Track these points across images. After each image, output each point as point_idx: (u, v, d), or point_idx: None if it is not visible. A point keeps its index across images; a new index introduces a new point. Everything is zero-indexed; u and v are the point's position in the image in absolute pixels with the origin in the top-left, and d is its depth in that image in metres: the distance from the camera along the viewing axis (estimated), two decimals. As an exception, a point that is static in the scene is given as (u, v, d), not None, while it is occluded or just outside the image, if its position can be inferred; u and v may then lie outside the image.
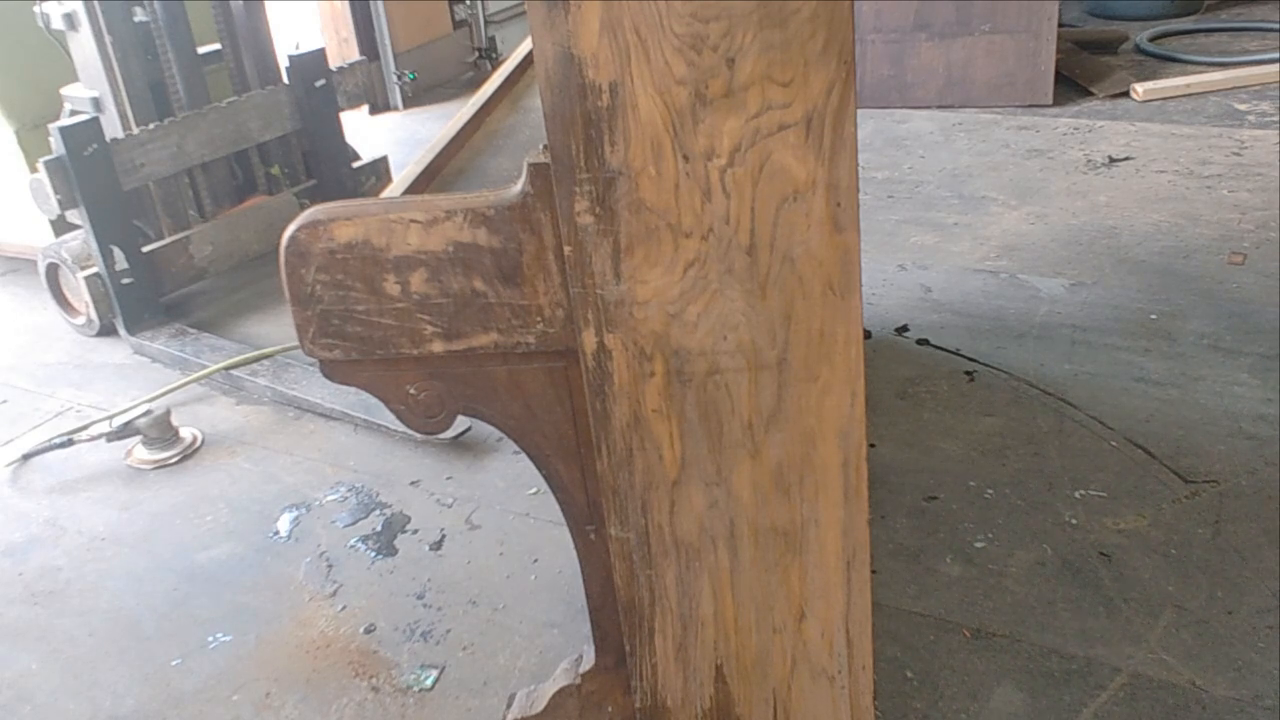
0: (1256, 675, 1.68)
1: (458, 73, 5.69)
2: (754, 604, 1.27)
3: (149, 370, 3.02)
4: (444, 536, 2.22)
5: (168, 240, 3.23)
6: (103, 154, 2.93)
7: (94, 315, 3.14)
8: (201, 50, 3.33)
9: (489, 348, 1.17)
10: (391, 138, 4.70)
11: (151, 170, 3.10)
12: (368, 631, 1.98)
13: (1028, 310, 2.83)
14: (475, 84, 5.21)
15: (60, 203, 2.92)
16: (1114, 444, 2.26)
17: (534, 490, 2.30)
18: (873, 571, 1.30)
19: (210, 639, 1.99)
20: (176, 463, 2.54)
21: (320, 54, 3.55)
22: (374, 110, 5.06)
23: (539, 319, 1.15)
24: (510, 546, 2.17)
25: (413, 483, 2.41)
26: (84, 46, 3.12)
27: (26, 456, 2.61)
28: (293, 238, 1.13)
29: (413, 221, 1.11)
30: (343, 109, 3.68)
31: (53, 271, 3.22)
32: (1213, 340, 2.60)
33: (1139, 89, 4.26)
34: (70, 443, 2.59)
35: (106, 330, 3.19)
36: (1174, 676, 1.69)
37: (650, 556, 1.25)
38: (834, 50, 0.98)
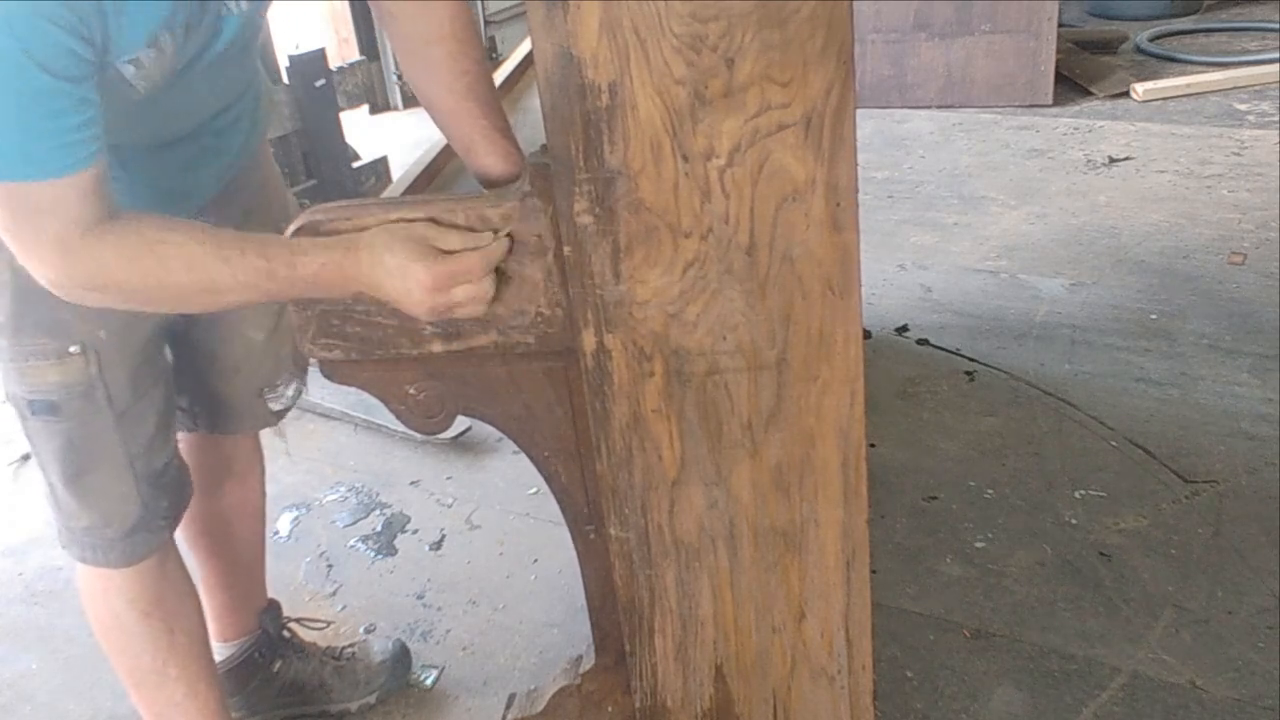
0: (1256, 675, 1.68)
1: (458, 73, 5.67)
2: (754, 604, 1.27)
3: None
4: (444, 536, 2.22)
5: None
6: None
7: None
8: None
9: (488, 348, 1.17)
10: (391, 138, 4.70)
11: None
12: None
13: (1028, 310, 2.83)
14: (475, 84, 5.19)
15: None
16: (1114, 444, 2.26)
17: (534, 490, 2.30)
18: (873, 571, 1.30)
19: (210, 639, 1.99)
20: (176, 463, 2.54)
21: (320, 54, 3.55)
22: (374, 110, 5.06)
23: (539, 319, 1.15)
24: (510, 546, 2.17)
25: (413, 483, 2.41)
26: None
27: (27, 457, 2.61)
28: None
29: (412, 222, 1.11)
30: (343, 109, 3.68)
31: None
32: (1213, 340, 2.60)
33: (1139, 89, 4.26)
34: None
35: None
36: (1174, 676, 1.69)
37: (650, 556, 1.25)
38: (833, 50, 0.98)
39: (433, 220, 1.09)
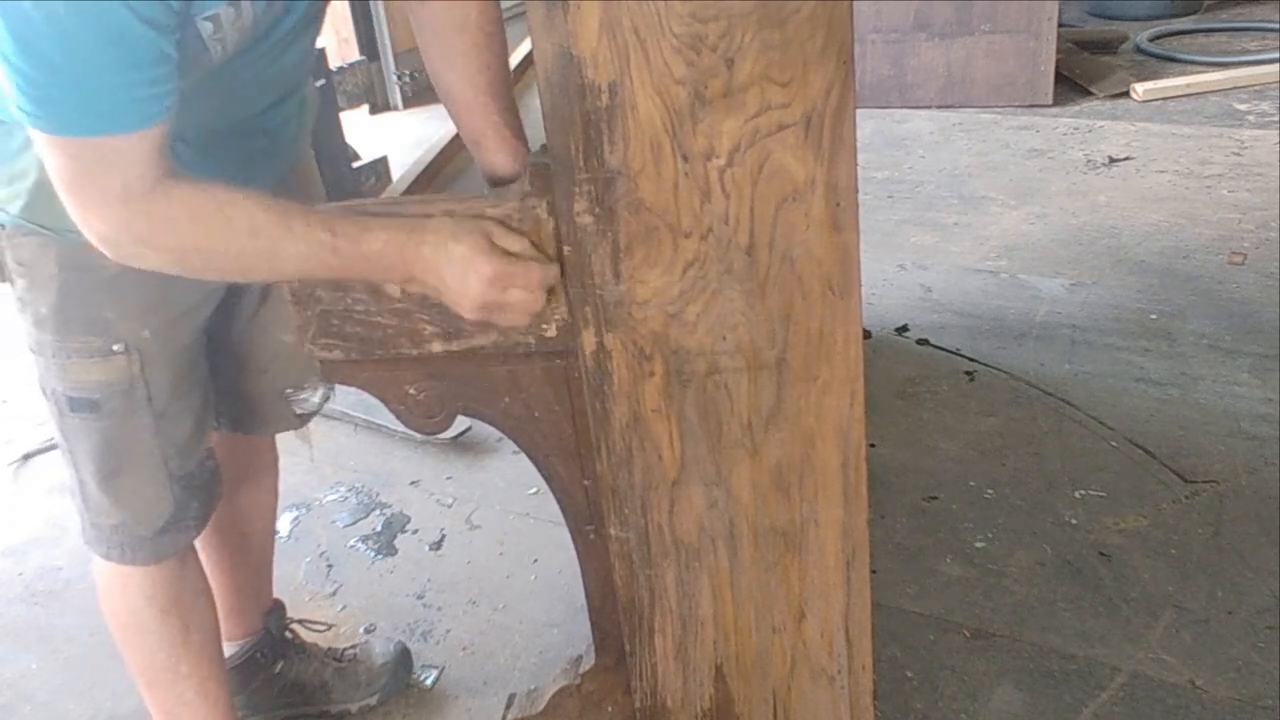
0: (1256, 675, 1.68)
1: (458, 73, 5.66)
2: (754, 604, 1.27)
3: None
4: (444, 536, 2.22)
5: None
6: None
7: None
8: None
9: (489, 348, 1.17)
10: (391, 138, 4.70)
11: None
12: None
13: (1028, 310, 2.83)
14: (475, 84, 5.19)
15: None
16: (1114, 444, 2.26)
17: (534, 490, 2.30)
18: (873, 571, 1.30)
19: (210, 639, 1.99)
20: (176, 463, 2.54)
21: (320, 54, 3.55)
22: (374, 110, 5.06)
23: (538, 319, 1.15)
24: (510, 546, 2.17)
25: (413, 483, 2.41)
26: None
27: (27, 456, 2.62)
28: (292, 238, 1.12)
29: (412, 222, 1.11)
30: (343, 109, 3.68)
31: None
32: (1213, 340, 2.60)
33: (1139, 89, 4.26)
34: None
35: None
36: (1174, 676, 1.69)
37: (650, 556, 1.25)
38: (833, 50, 0.98)
39: (500, 222, 1.09)
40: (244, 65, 1.14)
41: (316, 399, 1.56)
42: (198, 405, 1.36)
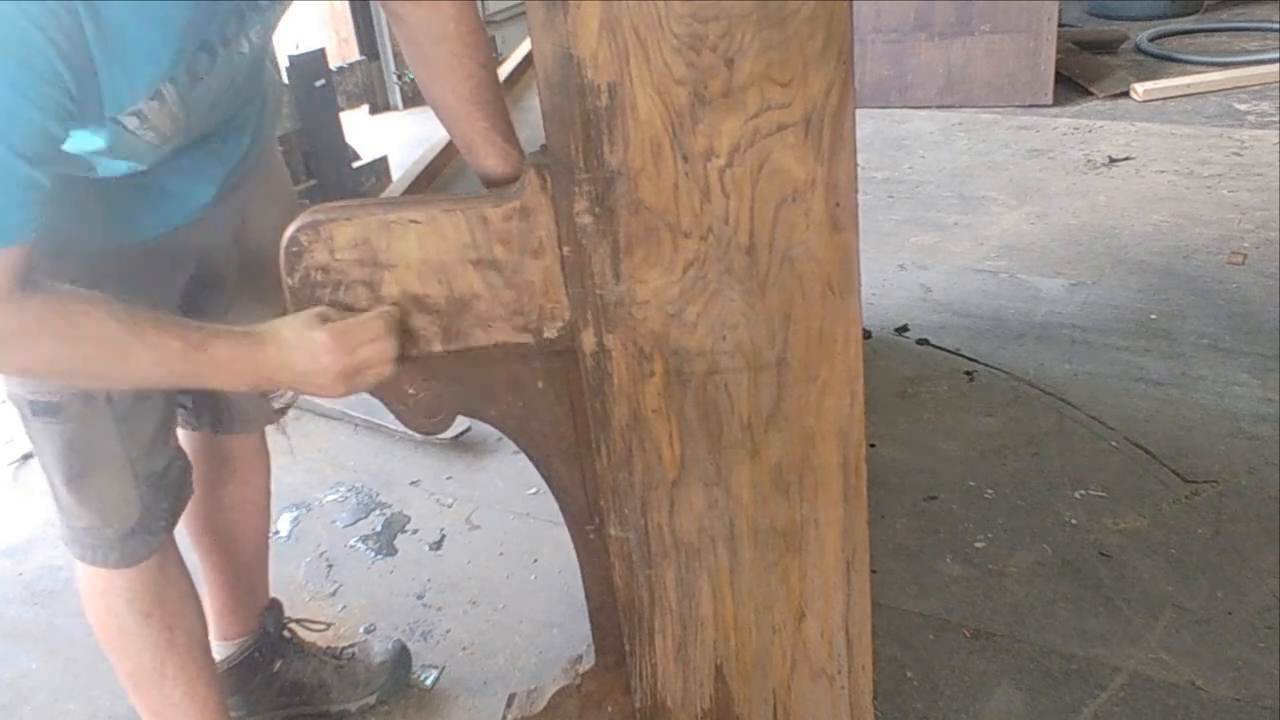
0: (1256, 675, 1.68)
1: (458, 73, 5.65)
2: (753, 604, 1.27)
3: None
4: (444, 536, 2.22)
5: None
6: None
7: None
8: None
9: (489, 348, 1.17)
10: (391, 138, 4.71)
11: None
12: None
13: (1028, 310, 2.83)
14: (475, 84, 5.19)
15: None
16: (1114, 444, 2.26)
17: (534, 490, 2.30)
18: (873, 571, 1.30)
19: (210, 639, 1.99)
20: (176, 463, 2.54)
21: (320, 54, 3.55)
22: (374, 110, 5.06)
23: (540, 319, 1.15)
24: (510, 546, 2.17)
25: (413, 483, 2.41)
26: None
27: (27, 457, 2.61)
28: (293, 238, 1.13)
29: (412, 222, 1.11)
30: (343, 109, 3.67)
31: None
32: (1213, 340, 2.60)
33: (1139, 89, 4.26)
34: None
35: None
36: (1174, 676, 1.69)
37: (650, 556, 1.25)
38: (833, 50, 0.98)
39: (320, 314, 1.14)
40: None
41: (290, 391, 1.56)
42: (161, 405, 1.36)
